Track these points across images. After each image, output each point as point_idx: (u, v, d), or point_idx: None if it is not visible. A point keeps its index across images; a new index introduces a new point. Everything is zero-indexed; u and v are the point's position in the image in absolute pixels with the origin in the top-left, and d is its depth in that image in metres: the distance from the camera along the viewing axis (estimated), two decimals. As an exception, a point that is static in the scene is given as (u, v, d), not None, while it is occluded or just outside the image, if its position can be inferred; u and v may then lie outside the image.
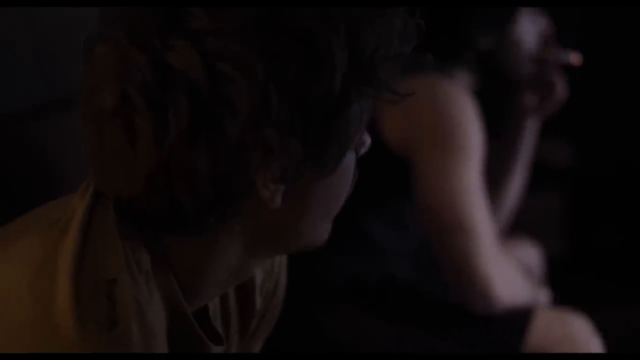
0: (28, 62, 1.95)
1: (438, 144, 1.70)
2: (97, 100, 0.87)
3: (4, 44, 1.91)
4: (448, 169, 1.68)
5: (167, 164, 0.85)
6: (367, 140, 0.97)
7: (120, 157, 0.87)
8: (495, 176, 1.97)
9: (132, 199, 0.89)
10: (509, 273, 1.76)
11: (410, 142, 1.72)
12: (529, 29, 1.84)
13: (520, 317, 1.73)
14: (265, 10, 0.86)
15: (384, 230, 1.81)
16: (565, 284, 2.20)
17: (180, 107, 0.84)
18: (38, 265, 0.87)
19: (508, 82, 1.85)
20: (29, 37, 1.94)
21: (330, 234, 1.69)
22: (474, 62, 1.83)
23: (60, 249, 0.88)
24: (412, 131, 1.72)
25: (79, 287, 0.85)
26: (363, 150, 0.97)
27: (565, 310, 1.81)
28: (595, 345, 1.76)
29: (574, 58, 1.85)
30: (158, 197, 0.87)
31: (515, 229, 2.12)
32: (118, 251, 0.88)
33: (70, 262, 0.86)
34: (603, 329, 1.80)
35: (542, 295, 1.90)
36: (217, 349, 0.99)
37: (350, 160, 0.95)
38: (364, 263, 1.80)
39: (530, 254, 2.21)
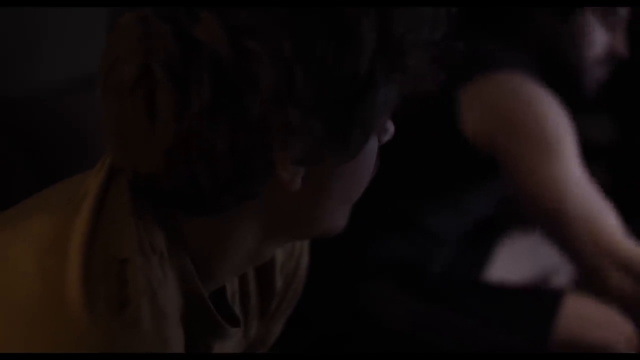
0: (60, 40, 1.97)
1: (534, 143, 1.66)
2: (118, 73, 0.85)
3: (31, 26, 1.93)
4: (554, 167, 1.64)
5: (187, 140, 0.83)
6: (391, 128, 0.95)
7: (139, 132, 0.85)
8: None
9: (150, 176, 0.87)
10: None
11: (495, 139, 1.68)
12: (599, 29, 1.78)
13: (552, 299, 1.71)
14: None
15: (438, 217, 1.81)
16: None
17: (202, 82, 0.82)
18: (48, 243, 0.86)
19: (567, 71, 1.79)
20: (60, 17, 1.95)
21: (383, 216, 1.71)
22: (531, 46, 1.77)
23: (72, 227, 0.86)
24: (499, 130, 1.68)
25: (89, 266, 0.84)
26: (386, 138, 0.95)
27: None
28: (630, 330, 1.74)
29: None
30: (176, 174, 0.86)
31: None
32: (131, 230, 0.87)
33: (82, 240, 0.85)
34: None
35: None
36: (234, 331, 0.98)
37: (373, 146, 0.93)
38: (412, 245, 1.79)
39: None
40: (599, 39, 1.77)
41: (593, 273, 1.63)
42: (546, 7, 1.74)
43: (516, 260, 2.18)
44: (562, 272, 2.21)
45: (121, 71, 0.85)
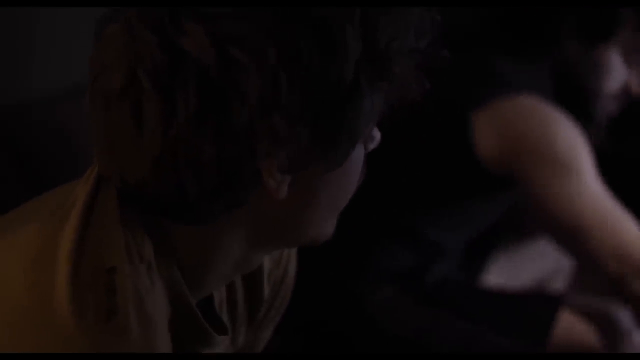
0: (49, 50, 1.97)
1: (550, 164, 1.67)
2: (105, 81, 0.85)
3: (24, 33, 1.93)
4: (571, 185, 1.66)
5: (174, 149, 0.84)
6: (377, 135, 0.95)
7: (126, 140, 0.85)
8: None
9: (138, 184, 0.87)
10: None
11: (511, 160, 1.69)
12: (620, 63, 1.78)
13: (551, 304, 1.72)
14: None
15: (444, 230, 1.81)
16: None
17: (189, 91, 0.82)
18: (36, 252, 0.86)
19: (582, 100, 1.79)
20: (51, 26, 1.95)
21: (387, 228, 1.71)
22: (552, 70, 1.78)
23: (60, 237, 0.87)
24: (518, 153, 1.68)
25: (77, 274, 0.84)
26: (372, 146, 0.95)
27: (605, 301, 1.78)
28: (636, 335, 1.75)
29: None
30: (163, 182, 0.86)
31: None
32: (119, 239, 0.87)
33: (70, 248, 0.85)
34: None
35: None
36: (222, 339, 0.98)
37: (359, 154, 0.93)
38: (417, 256, 1.79)
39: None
40: (619, 73, 1.77)
41: (617, 283, 1.64)
42: (576, 34, 1.74)
43: (516, 267, 2.18)
44: (560, 278, 2.21)
45: (108, 79, 0.85)
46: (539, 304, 1.77)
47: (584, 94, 1.78)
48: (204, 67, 0.82)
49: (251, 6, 0.84)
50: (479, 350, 1.72)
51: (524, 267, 2.19)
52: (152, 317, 0.86)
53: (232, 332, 1.04)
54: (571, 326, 1.74)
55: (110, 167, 0.89)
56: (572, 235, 1.66)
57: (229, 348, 1.04)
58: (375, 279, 1.78)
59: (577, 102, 1.77)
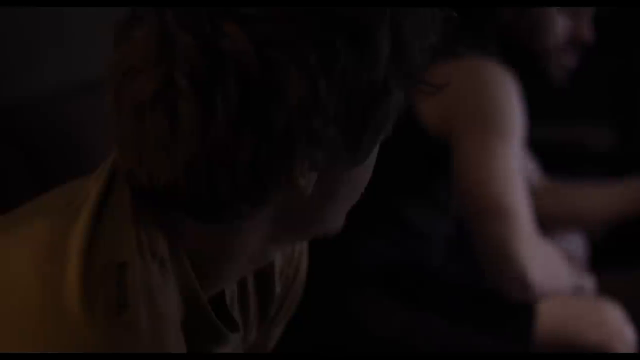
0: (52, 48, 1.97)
1: (479, 125, 1.69)
2: (134, 85, 0.84)
3: (30, 31, 1.93)
4: (488, 150, 1.67)
5: (209, 151, 0.83)
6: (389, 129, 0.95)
7: (159, 145, 0.84)
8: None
9: (167, 186, 0.86)
10: (550, 260, 1.73)
11: (449, 122, 1.71)
12: (559, 17, 1.79)
13: (528, 304, 1.71)
14: (314, 0, 0.84)
15: (419, 214, 1.80)
16: (606, 271, 2.16)
17: (229, 93, 0.82)
18: (47, 247, 0.86)
19: (528, 59, 1.80)
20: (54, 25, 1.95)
21: (366, 218, 1.71)
22: (494, 37, 1.78)
23: (72, 231, 0.86)
24: (453, 111, 1.71)
25: (88, 269, 0.84)
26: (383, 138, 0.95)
27: (599, 298, 1.78)
28: (629, 332, 1.74)
29: None
30: (195, 184, 0.85)
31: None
32: (130, 235, 0.87)
33: (81, 244, 0.85)
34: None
35: (587, 283, 1.86)
36: (233, 336, 0.98)
37: (376, 150, 0.94)
38: (397, 247, 1.79)
39: (575, 241, 2.18)
40: (560, 26, 1.79)
41: (493, 274, 1.67)
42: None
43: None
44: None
45: (138, 84, 0.84)
46: (520, 302, 1.75)
47: (529, 53, 1.80)
48: (244, 68, 0.82)
49: (286, 6, 0.83)
50: (463, 349, 1.72)
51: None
52: (163, 313, 0.86)
53: (243, 330, 1.04)
54: (557, 319, 1.73)
55: (138, 169, 0.87)
56: (483, 209, 1.66)
57: (240, 346, 1.03)
58: (359, 278, 1.77)
59: (524, 62, 1.78)
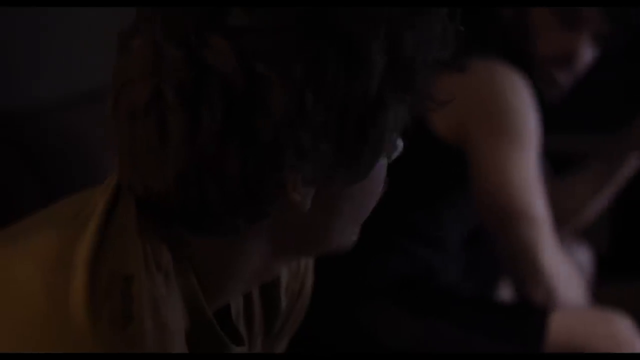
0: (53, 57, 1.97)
1: (495, 131, 1.68)
2: (130, 95, 0.85)
3: (32, 39, 1.93)
4: (506, 156, 1.66)
5: (198, 162, 0.84)
6: (400, 144, 0.94)
7: (151, 153, 0.85)
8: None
9: (161, 196, 0.87)
10: (567, 268, 1.73)
11: (464, 129, 1.69)
12: (553, 27, 1.77)
13: (539, 313, 1.70)
14: (305, 11, 0.84)
15: (434, 225, 1.80)
16: (610, 283, 2.16)
17: (214, 105, 0.82)
18: (54, 259, 0.86)
19: (520, 61, 1.78)
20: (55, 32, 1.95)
21: (379, 230, 1.70)
22: (499, 41, 1.77)
23: (79, 243, 0.86)
24: (468, 118, 1.69)
25: (94, 281, 0.84)
26: (396, 154, 0.94)
27: (608, 310, 1.77)
28: (639, 344, 1.73)
29: None
30: (187, 196, 0.86)
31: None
32: (137, 248, 0.87)
33: (87, 256, 0.85)
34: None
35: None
36: (238, 350, 0.98)
37: (381, 165, 0.93)
38: (411, 259, 1.78)
39: (581, 254, 2.17)
40: (552, 36, 1.76)
41: (518, 280, 1.68)
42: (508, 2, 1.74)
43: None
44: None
45: (133, 93, 0.85)
46: (530, 312, 1.75)
47: (521, 57, 1.77)
48: (229, 81, 0.82)
49: (276, 17, 0.83)
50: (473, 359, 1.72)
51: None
52: (168, 326, 0.86)
53: (248, 343, 1.04)
54: (568, 331, 1.73)
55: (134, 178, 0.88)
56: (501, 215, 1.66)
57: (244, 359, 1.03)
58: (371, 291, 1.76)
59: (518, 66, 1.75)
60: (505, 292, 2.01)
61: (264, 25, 0.83)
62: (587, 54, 1.78)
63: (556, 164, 2.04)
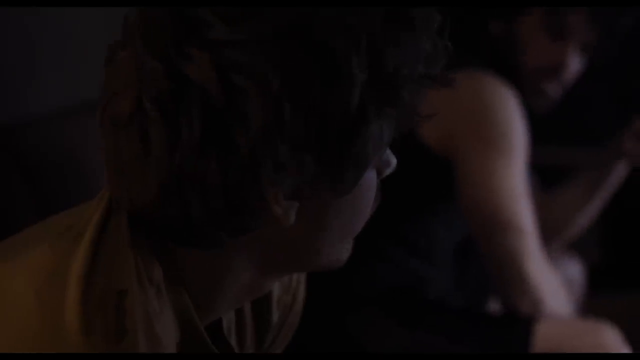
0: (54, 65, 1.97)
1: (482, 142, 1.68)
2: (114, 106, 0.86)
3: (29, 47, 1.93)
4: (494, 167, 1.67)
5: (179, 175, 0.85)
6: (393, 160, 0.95)
7: (134, 166, 0.86)
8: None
9: (146, 208, 0.88)
10: (554, 279, 1.74)
11: (452, 139, 1.70)
12: (541, 37, 1.79)
13: (525, 324, 1.71)
14: (285, 24, 0.85)
15: (423, 235, 1.80)
16: (601, 294, 2.17)
17: (193, 117, 0.83)
18: (48, 273, 0.87)
19: (508, 73, 1.79)
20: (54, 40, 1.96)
21: (368, 240, 1.71)
22: (488, 53, 1.78)
23: (72, 258, 0.87)
24: (456, 129, 1.70)
25: (88, 296, 0.85)
26: (388, 171, 0.95)
27: (595, 321, 1.78)
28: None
29: None
30: (170, 207, 0.87)
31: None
32: (130, 262, 0.87)
33: (81, 271, 0.86)
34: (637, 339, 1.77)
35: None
36: (229, 364, 0.98)
37: (371, 180, 0.93)
38: (400, 269, 1.79)
39: (573, 268, 2.18)
40: (540, 46, 1.77)
41: (504, 290, 1.68)
42: (496, 10, 1.76)
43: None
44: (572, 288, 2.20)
45: (117, 105, 0.86)
46: (516, 322, 1.76)
47: (510, 69, 1.78)
48: (208, 93, 0.83)
49: (255, 30, 0.84)
50: None
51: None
52: (161, 340, 0.87)
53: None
54: (554, 341, 1.73)
55: (120, 191, 0.89)
56: (487, 225, 1.67)
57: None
58: (360, 301, 1.77)
59: (506, 78, 1.76)
60: (495, 304, 2.01)
61: (243, 38, 0.84)
62: (574, 64, 1.79)
63: (545, 176, 2.05)
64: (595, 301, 2.01)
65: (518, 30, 1.78)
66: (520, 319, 1.72)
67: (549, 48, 1.78)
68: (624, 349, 1.74)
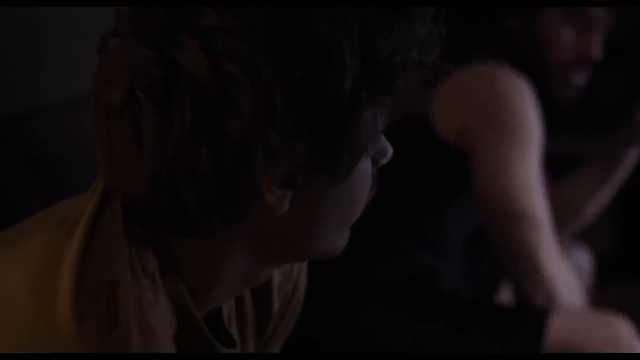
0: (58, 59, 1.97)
1: (497, 133, 1.68)
2: (106, 96, 0.86)
3: (33, 42, 1.93)
4: (508, 157, 1.67)
5: (172, 163, 0.84)
6: (389, 150, 0.94)
7: (127, 155, 0.86)
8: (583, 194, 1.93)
9: (139, 198, 0.87)
10: (567, 270, 1.73)
11: (467, 130, 1.70)
12: (565, 30, 1.78)
13: (538, 315, 1.70)
14: (276, 11, 0.84)
15: (435, 227, 1.80)
16: (612, 285, 2.16)
17: (184, 106, 0.83)
18: (41, 265, 0.86)
19: (532, 68, 1.79)
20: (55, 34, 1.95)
21: (380, 232, 1.70)
22: (507, 48, 1.78)
23: (66, 248, 0.87)
24: (470, 120, 1.70)
25: (81, 286, 0.84)
26: (384, 161, 0.94)
27: (608, 313, 1.77)
28: (639, 347, 1.73)
29: None
30: (163, 197, 0.86)
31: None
32: (123, 252, 0.87)
33: (74, 261, 0.86)
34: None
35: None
36: (230, 351, 0.98)
37: (365, 169, 0.92)
38: (412, 261, 1.78)
39: (582, 258, 2.17)
40: (566, 40, 1.77)
41: (518, 281, 1.68)
42: (513, 7, 1.75)
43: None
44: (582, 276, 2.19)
45: (109, 94, 0.85)
46: (529, 314, 1.75)
47: (534, 64, 1.78)
48: (199, 81, 0.83)
49: (246, 18, 0.84)
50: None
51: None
52: (155, 329, 0.86)
53: (240, 346, 1.04)
54: (567, 333, 1.72)
55: (113, 181, 0.89)
56: (500, 216, 1.67)
57: (238, 361, 1.03)
58: (371, 293, 1.76)
59: (531, 74, 1.76)
60: (506, 296, 2.00)
61: (234, 26, 0.83)
62: (598, 53, 1.80)
63: (554, 165, 2.04)
64: (603, 291, 2.00)
65: (538, 26, 1.77)
66: (533, 311, 1.71)
67: (576, 41, 1.78)
68: (636, 340, 1.73)
